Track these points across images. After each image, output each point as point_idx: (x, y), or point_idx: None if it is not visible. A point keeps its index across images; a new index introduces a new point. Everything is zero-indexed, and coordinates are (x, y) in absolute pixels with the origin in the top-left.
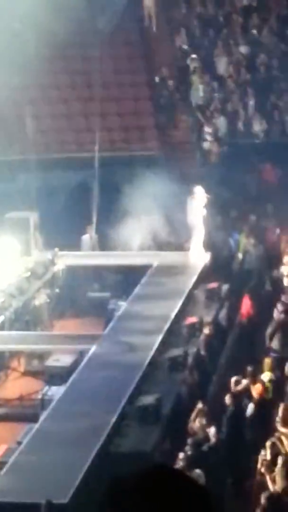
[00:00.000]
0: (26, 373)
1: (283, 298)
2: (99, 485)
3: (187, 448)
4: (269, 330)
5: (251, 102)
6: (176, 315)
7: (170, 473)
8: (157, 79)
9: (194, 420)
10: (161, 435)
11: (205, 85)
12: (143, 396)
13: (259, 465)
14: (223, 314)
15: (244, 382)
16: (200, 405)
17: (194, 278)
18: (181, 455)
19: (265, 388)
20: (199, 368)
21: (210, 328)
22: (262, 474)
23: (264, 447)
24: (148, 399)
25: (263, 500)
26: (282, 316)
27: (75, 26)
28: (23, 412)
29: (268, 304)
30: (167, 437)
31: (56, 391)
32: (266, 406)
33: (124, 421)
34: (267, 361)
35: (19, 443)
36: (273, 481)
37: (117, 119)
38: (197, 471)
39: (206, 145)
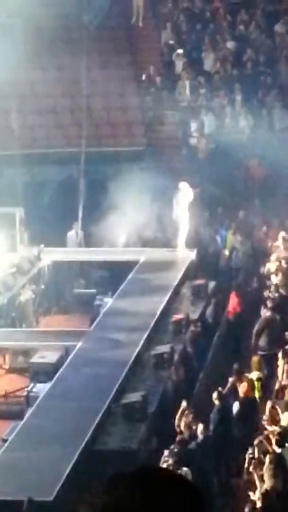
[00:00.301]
0: (11, 370)
1: (270, 295)
2: (85, 482)
3: (174, 446)
4: (256, 328)
5: (238, 98)
6: (162, 312)
7: (164, 474)
8: (144, 76)
9: (180, 417)
10: (147, 433)
11: (191, 81)
12: (129, 393)
13: (246, 464)
14: (209, 311)
15: (230, 380)
16: (185, 403)
17: (180, 275)
18: (166, 452)
19: (252, 387)
20: (185, 365)
21: (197, 325)
22: (250, 473)
23: (251, 445)
24: (134, 396)
25: (253, 498)
26: (270, 313)
27: (62, 21)
28: (9, 409)
29: (255, 301)
30: (153, 435)
31: (42, 388)
32: (252, 404)
33: (110, 418)
34: (255, 359)
35: (5, 440)
36: (261, 479)
37: (104, 114)
38: (185, 469)
39: (193, 141)
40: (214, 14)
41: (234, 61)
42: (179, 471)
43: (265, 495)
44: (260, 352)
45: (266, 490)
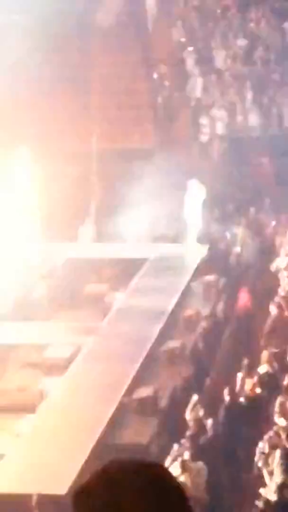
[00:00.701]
0: (24, 365)
1: (279, 291)
2: None
3: (184, 440)
4: (267, 325)
5: (249, 96)
6: (174, 308)
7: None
8: (155, 75)
9: (191, 412)
10: (159, 427)
11: (202, 78)
12: (141, 388)
13: (256, 458)
14: (220, 307)
15: (240, 375)
16: (196, 398)
17: (191, 271)
18: (176, 446)
19: (262, 381)
20: (196, 361)
21: (208, 321)
22: (260, 468)
23: (261, 440)
24: (145, 391)
25: (263, 493)
26: (278, 310)
27: (73, 19)
28: (22, 404)
29: (265, 297)
30: (165, 429)
31: (55, 383)
32: (262, 399)
33: (122, 413)
34: (265, 353)
35: (18, 434)
36: (271, 474)
37: (116, 112)
38: (200, 463)
39: (203, 138)
40: (225, 12)
41: (244, 58)
42: (194, 465)
43: (276, 490)
44: (271, 350)
45: (277, 485)
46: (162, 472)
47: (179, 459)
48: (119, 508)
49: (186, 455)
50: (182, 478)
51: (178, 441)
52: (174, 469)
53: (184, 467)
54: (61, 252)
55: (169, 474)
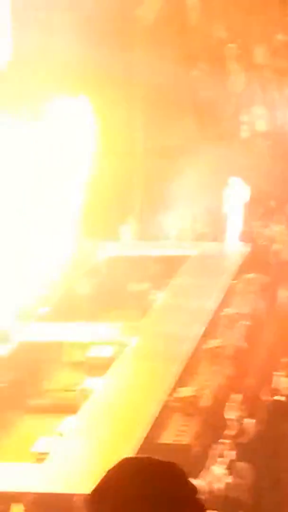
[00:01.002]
0: (67, 364)
1: None
2: None
3: (225, 440)
4: None
5: None
6: (215, 306)
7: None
8: (196, 71)
9: (232, 412)
10: (201, 427)
11: (243, 74)
12: (182, 387)
13: None
14: (261, 305)
15: (280, 374)
16: (237, 397)
17: (233, 269)
18: (217, 446)
19: None
20: (237, 360)
21: (248, 319)
22: None
23: None
24: (187, 391)
25: None
26: None
27: (114, 15)
28: (64, 403)
29: None
30: (206, 429)
31: (97, 382)
32: None
33: (164, 412)
34: None
35: (60, 434)
36: None
37: (157, 109)
38: (242, 463)
39: (245, 135)
40: (265, 5)
41: (285, 53)
42: (237, 465)
43: None
44: None
45: None
46: (174, 471)
47: (223, 459)
48: (131, 508)
49: (230, 455)
50: (228, 479)
51: (220, 441)
52: (218, 469)
53: (229, 466)
54: (104, 250)
55: (182, 473)
